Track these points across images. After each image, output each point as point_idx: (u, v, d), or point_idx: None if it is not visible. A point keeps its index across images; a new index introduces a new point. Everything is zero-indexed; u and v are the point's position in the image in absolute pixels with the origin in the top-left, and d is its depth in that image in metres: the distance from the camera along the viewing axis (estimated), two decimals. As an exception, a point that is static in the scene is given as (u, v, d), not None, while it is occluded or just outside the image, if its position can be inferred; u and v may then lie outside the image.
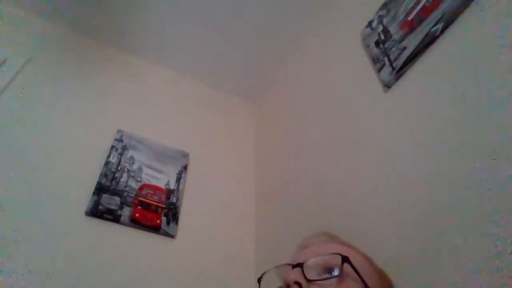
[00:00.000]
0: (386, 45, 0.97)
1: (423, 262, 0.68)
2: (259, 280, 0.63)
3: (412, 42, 0.87)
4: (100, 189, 1.20)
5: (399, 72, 0.90)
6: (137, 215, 1.21)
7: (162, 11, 1.56)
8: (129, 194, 1.25)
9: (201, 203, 1.38)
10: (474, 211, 0.61)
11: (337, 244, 0.63)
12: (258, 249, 1.34)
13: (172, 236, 1.22)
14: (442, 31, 0.80)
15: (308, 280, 0.53)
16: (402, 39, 0.91)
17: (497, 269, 0.55)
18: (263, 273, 0.64)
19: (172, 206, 1.29)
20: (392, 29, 0.96)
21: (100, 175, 1.23)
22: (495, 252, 0.56)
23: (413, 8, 0.89)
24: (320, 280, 0.53)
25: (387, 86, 0.93)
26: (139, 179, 1.31)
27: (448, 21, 0.78)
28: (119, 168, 1.29)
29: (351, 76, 1.13)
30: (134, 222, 1.19)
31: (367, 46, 1.06)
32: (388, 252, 0.74)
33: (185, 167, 1.43)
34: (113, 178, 1.25)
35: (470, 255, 0.60)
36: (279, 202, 1.32)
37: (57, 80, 1.42)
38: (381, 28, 1.01)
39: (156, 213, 1.24)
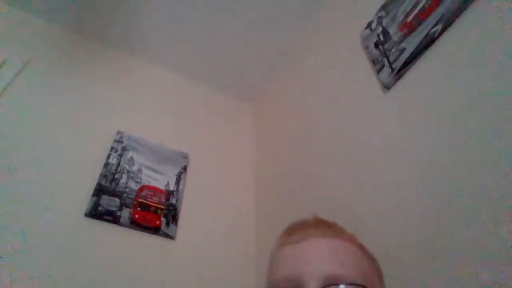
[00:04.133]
0: (386, 46, 0.97)
1: (422, 262, 0.68)
2: None
3: (411, 43, 0.87)
4: (99, 190, 1.20)
5: (399, 73, 0.90)
6: (136, 216, 1.20)
7: (161, 12, 1.56)
8: (129, 196, 1.24)
9: (200, 204, 1.38)
10: (474, 211, 0.61)
11: (344, 248, 0.51)
12: (258, 250, 1.34)
13: (171, 238, 1.22)
14: (441, 32, 0.80)
15: None
16: (401, 40, 0.91)
17: (498, 269, 0.55)
18: None
19: (171, 207, 1.29)
20: (391, 31, 0.96)
21: (99, 176, 1.23)
22: (496, 252, 0.56)
23: (412, 10, 0.89)
24: None
25: (387, 87, 0.94)
26: (138, 180, 1.31)
27: (447, 22, 0.79)
28: (118, 169, 1.29)
29: (351, 77, 1.13)
30: (134, 224, 1.19)
31: (366, 48, 1.06)
32: (386, 252, 0.74)
33: (184, 168, 1.43)
34: (113, 179, 1.25)
35: (470, 255, 0.60)
36: (279, 202, 1.32)
37: (56, 81, 1.42)
38: (380, 29, 1.01)
39: (156, 214, 1.24)
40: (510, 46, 0.65)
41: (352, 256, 0.50)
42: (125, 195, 1.24)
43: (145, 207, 1.24)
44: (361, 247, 0.54)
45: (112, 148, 1.33)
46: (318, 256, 0.48)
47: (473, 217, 0.61)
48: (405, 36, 0.90)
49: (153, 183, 1.33)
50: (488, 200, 0.60)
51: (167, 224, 1.24)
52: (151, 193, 1.29)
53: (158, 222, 1.23)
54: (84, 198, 1.16)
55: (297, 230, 0.55)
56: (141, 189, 1.29)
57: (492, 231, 0.57)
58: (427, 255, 0.67)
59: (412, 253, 0.71)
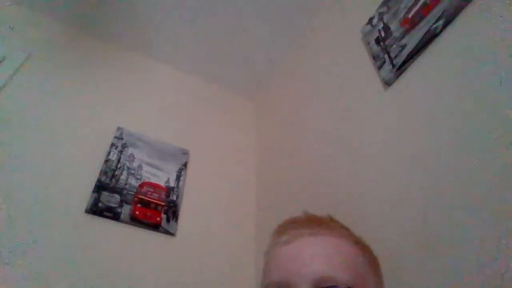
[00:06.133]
0: (387, 42, 0.96)
1: (420, 256, 0.68)
2: None
3: (412, 39, 0.87)
4: (100, 187, 1.20)
5: (400, 69, 0.89)
6: (137, 213, 1.21)
7: (162, 8, 1.56)
8: (129, 192, 1.24)
9: (201, 201, 1.38)
10: (474, 209, 0.61)
11: (337, 246, 0.50)
12: (258, 247, 1.34)
13: (172, 234, 1.22)
14: (443, 28, 0.79)
15: None
16: (403, 36, 0.90)
17: (497, 268, 0.55)
18: None
19: (172, 204, 1.29)
20: (392, 26, 0.95)
21: (100, 173, 1.23)
22: (495, 251, 0.56)
23: (413, 5, 0.89)
24: None
25: (388, 83, 0.93)
26: (139, 176, 1.31)
27: (449, 18, 0.78)
28: (119, 165, 1.29)
29: (351, 73, 1.13)
30: (134, 220, 1.19)
31: (367, 43, 1.06)
32: (385, 247, 0.74)
33: (185, 165, 1.43)
34: (113, 176, 1.25)
35: (470, 253, 0.59)
36: (280, 199, 1.32)
37: (56, 77, 1.42)
38: (381, 25, 1.00)
39: (156, 211, 1.24)
40: (512, 42, 0.64)
41: (345, 255, 0.49)
42: (125, 191, 1.24)
43: (145, 203, 1.25)
44: (356, 242, 0.53)
45: (112, 144, 1.33)
46: (308, 257, 0.47)
47: (473, 213, 0.61)
48: (406, 32, 0.89)
49: (154, 180, 1.33)
50: (488, 196, 0.60)
51: (168, 220, 1.24)
52: (152, 190, 1.29)
53: (158, 219, 1.23)
54: (84, 195, 1.16)
55: (287, 230, 0.53)
56: (141, 185, 1.29)
57: (491, 226, 0.57)
58: (425, 249, 0.67)
59: (410, 247, 0.71)
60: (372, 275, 0.51)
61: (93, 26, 1.63)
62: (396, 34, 0.93)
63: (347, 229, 0.55)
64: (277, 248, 0.52)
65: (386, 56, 0.95)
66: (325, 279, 0.44)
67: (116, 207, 1.18)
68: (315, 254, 0.48)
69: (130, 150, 1.35)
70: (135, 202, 1.23)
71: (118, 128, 1.38)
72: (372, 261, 0.53)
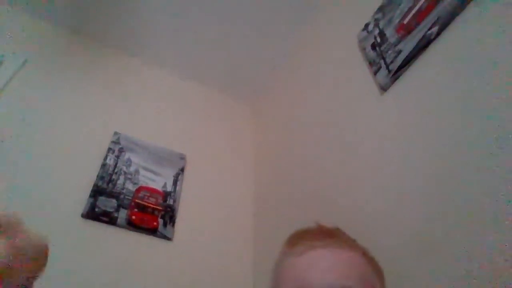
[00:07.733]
0: (382, 48, 0.97)
1: (419, 262, 0.68)
2: None
3: (408, 45, 0.88)
4: (96, 192, 1.19)
5: (395, 74, 0.90)
6: (133, 217, 1.20)
7: (161, 14, 1.56)
8: (126, 197, 1.24)
9: (198, 205, 1.38)
10: (471, 212, 0.62)
11: (348, 258, 0.52)
12: (256, 251, 1.34)
13: (169, 239, 1.22)
14: (438, 34, 0.80)
15: None
16: (398, 42, 0.92)
17: (494, 266, 0.55)
18: None
19: (169, 209, 1.29)
20: (388, 32, 0.97)
21: (96, 177, 1.23)
22: (496, 254, 0.56)
23: (409, 12, 0.90)
24: None
25: (383, 88, 0.94)
26: (136, 181, 1.30)
27: (444, 24, 0.79)
28: (116, 170, 1.29)
29: (348, 79, 1.14)
30: (131, 225, 1.18)
31: (363, 49, 1.07)
32: (383, 251, 0.74)
33: (182, 170, 1.43)
34: (110, 180, 1.25)
35: (466, 253, 0.60)
36: (278, 204, 1.32)
37: (54, 81, 1.42)
38: (377, 31, 1.01)
39: (153, 216, 1.24)
40: (506, 47, 0.65)
41: (356, 267, 0.50)
42: (122, 196, 1.23)
43: (142, 208, 1.24)
44: (364, 254, 0.54)
45: (109, 149, 1.33)
46: (322, 268, 0.49)
47: (468, 216, 0.62)
48: (402, 38, 0.91)
49: (150, 184, 1.32)
50: (483, 199, 0.60)
51: (165, 225, 1.24)
52: (148, 194, 1.29)
53: (155, 223, 1.22)
54: (81, 199, 1.16)
55: (300, 241, 0.54)
56: (138, 190, 1.28)
57: (488, 229, 0.58)
58: (425, 255, 0.68)
59: (408, 252, 0.71)
60: (379, 286, 0.52)
61: (91, 30, 1.63)
62: (391, 40, 0.94)
63: (354, 241, 0.57)
64: (290, 259, 0.53)
65: (382, 61, 0.96)
66: None
67: (113, 211, 1.18)
68: (328, 266, 0.49)
69: (127, 155, 1.35)
70: (132, 207, 1.23)
71: (115, 133, 1.38)
72: (378, 272, 0.55)
